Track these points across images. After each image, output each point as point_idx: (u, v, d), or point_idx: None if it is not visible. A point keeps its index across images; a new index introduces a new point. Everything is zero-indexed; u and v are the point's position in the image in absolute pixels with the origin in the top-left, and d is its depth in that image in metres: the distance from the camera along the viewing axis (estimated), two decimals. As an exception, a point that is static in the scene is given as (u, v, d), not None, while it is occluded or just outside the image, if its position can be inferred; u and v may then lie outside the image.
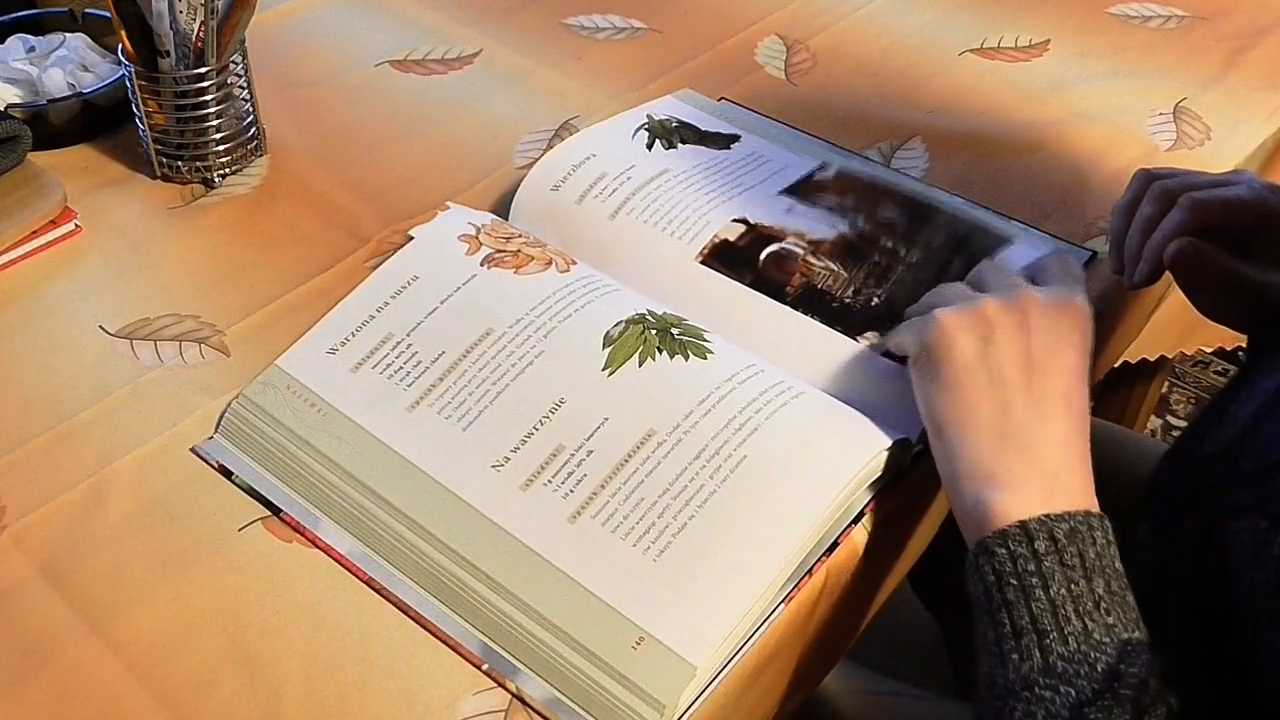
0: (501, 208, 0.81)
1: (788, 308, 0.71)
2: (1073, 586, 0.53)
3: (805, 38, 1.04)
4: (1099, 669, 0.52)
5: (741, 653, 0.58)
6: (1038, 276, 0.65)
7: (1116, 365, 0.99)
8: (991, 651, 0.54)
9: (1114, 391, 1.37)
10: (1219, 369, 1.84)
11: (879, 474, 0.63)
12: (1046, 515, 0.54)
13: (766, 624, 0.59)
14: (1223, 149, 0.91)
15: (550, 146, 0.88)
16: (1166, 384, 1.78)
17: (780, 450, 0.61)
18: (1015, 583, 0.54)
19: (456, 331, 0.69)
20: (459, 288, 0.71)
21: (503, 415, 0.65)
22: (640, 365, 0.65)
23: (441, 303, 0.70)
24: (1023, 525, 0.54)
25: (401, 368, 0.67)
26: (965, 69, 1.00)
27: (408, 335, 0.69)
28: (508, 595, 0.59)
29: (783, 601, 0.60)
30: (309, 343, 0.70)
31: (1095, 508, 0.57)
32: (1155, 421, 1.75)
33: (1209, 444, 0.63)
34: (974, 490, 0.57)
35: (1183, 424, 1.76)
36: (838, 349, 0.69)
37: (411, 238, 0.75)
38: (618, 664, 0.56)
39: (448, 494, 0.62)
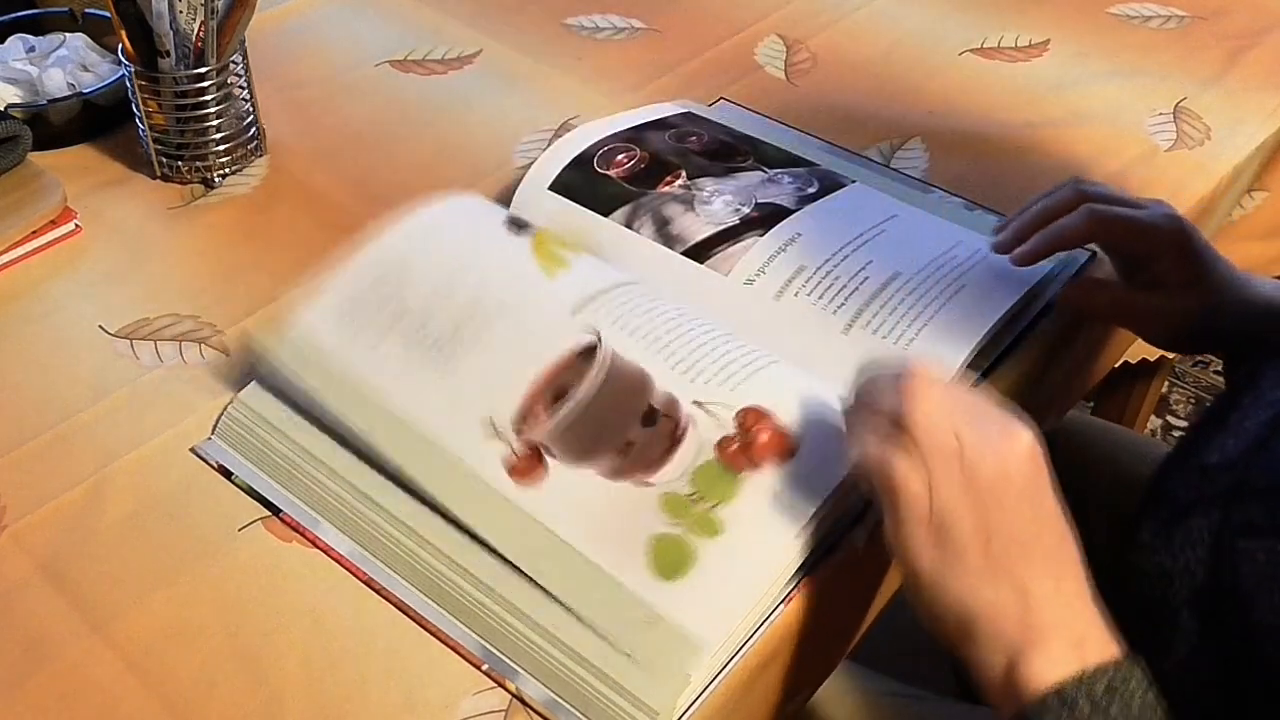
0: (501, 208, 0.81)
1: (782, 301, 0.70)
2: None
3: (805, 38, 1.04)
4: None
5: (741, 653, 0.58)
6: (971, 415, 0.60)
7: (1116, 365, 0.98)
8: None
9: (1114, 391, 1.37)
10: (1219, 369, 1.83)
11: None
12: (1081, 674, 0.52)
13: (766, 624, 0.59)
14: (1223, 149, 0.91)
15: (550, 147, 0.88)
16: (1166, 384, 1.78)
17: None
18: None
19: (472, 300, 0.67)
20: (475, 263, 0.69)
21: (521, 389, 0.64)
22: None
23: (458, 272, 0.68)
24: (1059, 693, 0.52)
25: (417, 339, 0.66)
26: (965, 69, 1.00)
27: (422, 307, 0.67)
28: (501, 600, 0.58)
29: (783, 602, 0.60)
30: (317, 308, 0.68)
31: (1122, 648, 0.54)
32: (1155, 421, 1.75)
33: (1213, 452, 0.63)
34: (1005, 662, 0.54)
35: (1183, 424, 1.76)
36: (833, 340, 0.69)
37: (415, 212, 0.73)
38: (613, 670, 0.55)
39: (461, 469, 0.61)
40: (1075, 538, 0.56)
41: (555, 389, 0.63)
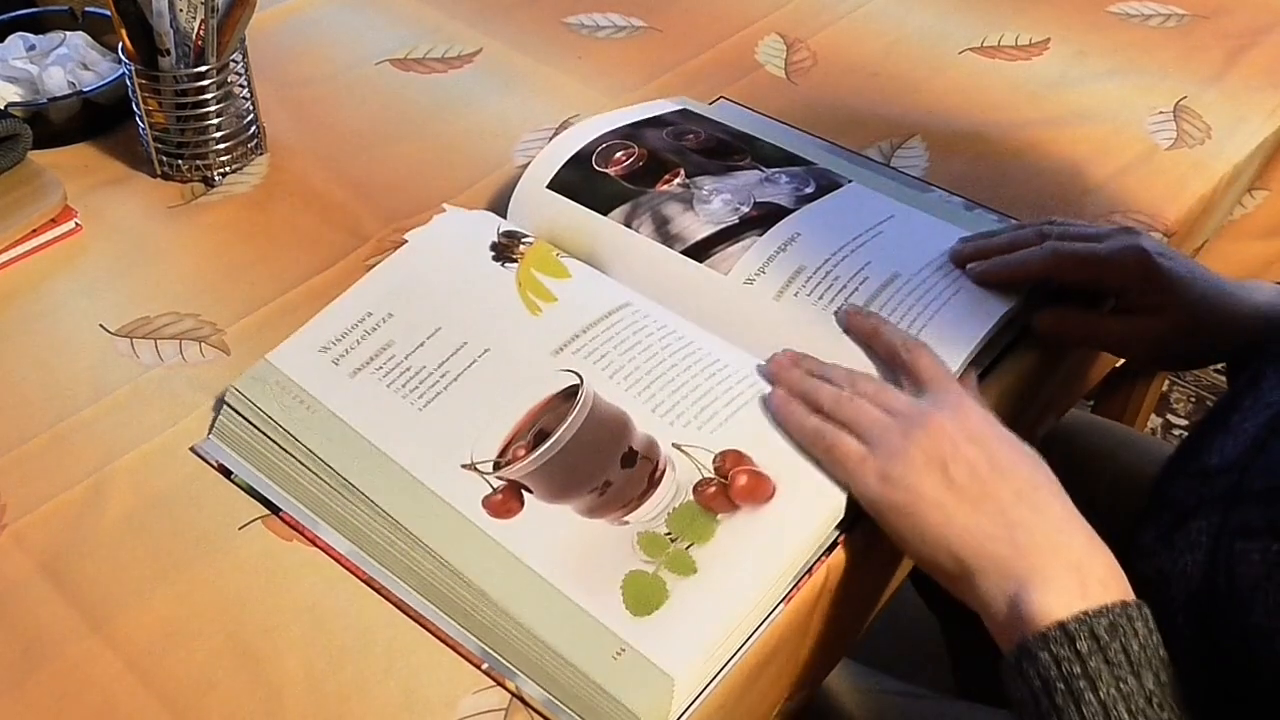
0: (501, 206, 0.81)
1: (783, 301, 0.70)
2: (1121, 686, 0.52)
3: (805, 36, 1.04)
4: None
5: (740, 653, 0.58)
6: (908, 384, 0.65)
7: (1117, 365, 0.98)
8: None
9: (1114, 391, 1.37)
10: (1219, 368, 1.83)
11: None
12: (1085, 613, 0.53)
13: (766, 624, 0.59)
14: (1223, 147, 0.91)
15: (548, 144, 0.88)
16: (1166, 384, 1.78)
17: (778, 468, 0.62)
18: (1063, 686, 0.52)
19: (458, 339, 0.68)
20: (462, 299, 0.71)
21: (503, 429, 0.64)
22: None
23: (443, 309, 0.70)
24: (1062, 626, 0.53)
25: (404, 378, 0.67)
26: (965, 68, 1.00)
27: (406, 342, 0.69)
28: (491, 604, 0.58)
29: (782, 601, 0.60)
30: (300, 340, 0.70)
31: (1128, 590, 0.56)
32: (1155, 421, 1.75)
33: (1214, 454, 0.63)
34: (1008, 596, 0.56)
35: (1183, 423, 1.76)
36: (832, 341, 0.69)
37: (406, 241, 0.75)
38: (598, 676, 0.55)
39: (438, 501, 0.62)
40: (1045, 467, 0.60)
41: (536, 430, 0.64)
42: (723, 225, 0.75)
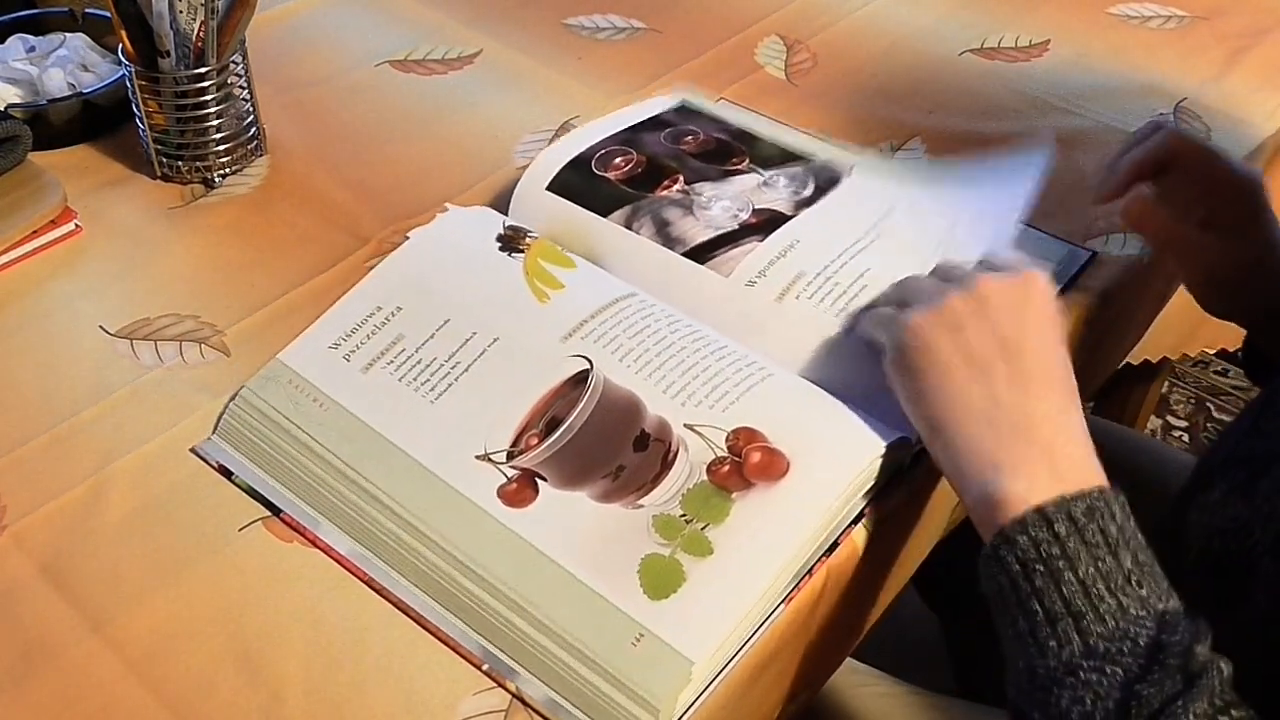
0: (501, 207, 0.81)
1: (784, 303, 0.70)
2: (1100, 564, 0.53)
3: (805, 37, 1.04)
4: (1141, 643, 0.51)
5: (742, 653, 0.58)
6: (992, 263, 0.66)
7: (1119, 366, 0.99)
8: (1025, 642, 0.54)
9: (1114, 392, 1.37)
10: (1219, 369, 1.84)
11: (874, 480, 0.62)
12: (1061, 496, 0.54)
13: (766, 624, 0.59)
14: (1223, 148, 0.91)
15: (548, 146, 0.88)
16: (1166, 384, 1.78)
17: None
18: (1042, 568, 0.53)
19: (467, 330, 0.68)
20: (470, 290, 0.71)
21: (515, 418, 0.64)
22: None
23: (451, 300, 0.70)
24: (1039, 510, 0.54)
25: (416, 372, 0.67)
26: (965, 69, 1.00)
27: (417, 335, 0.69)
28: (505, 598, 0.58)
29: (783, 602, 0.60)
30: (310, 338, 0.70)
31: (1104, 479, 0.56)
32: (1155, 421, 1.75)
33: None
34: (980, 481, 0.57)
35: (1183, 424, 1.77)
36: (834, 341, 0.69)
37: (409, 239, 0.75)
38: (614, 665, 0.55)
39: (453, 493, 0.62)
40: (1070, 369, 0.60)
41: (548, 417, 0.64)
42: (722, 230, 0.75)
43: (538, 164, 0.80)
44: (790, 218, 0.76)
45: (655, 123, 0.85)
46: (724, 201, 0.77)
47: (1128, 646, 0.51)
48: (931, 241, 0.74)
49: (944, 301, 0.61)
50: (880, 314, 0.65)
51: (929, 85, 0.98)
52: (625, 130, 0.83)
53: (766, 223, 0.75)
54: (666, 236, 0.75)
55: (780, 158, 0.82)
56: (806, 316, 0.70)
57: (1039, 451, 0.56)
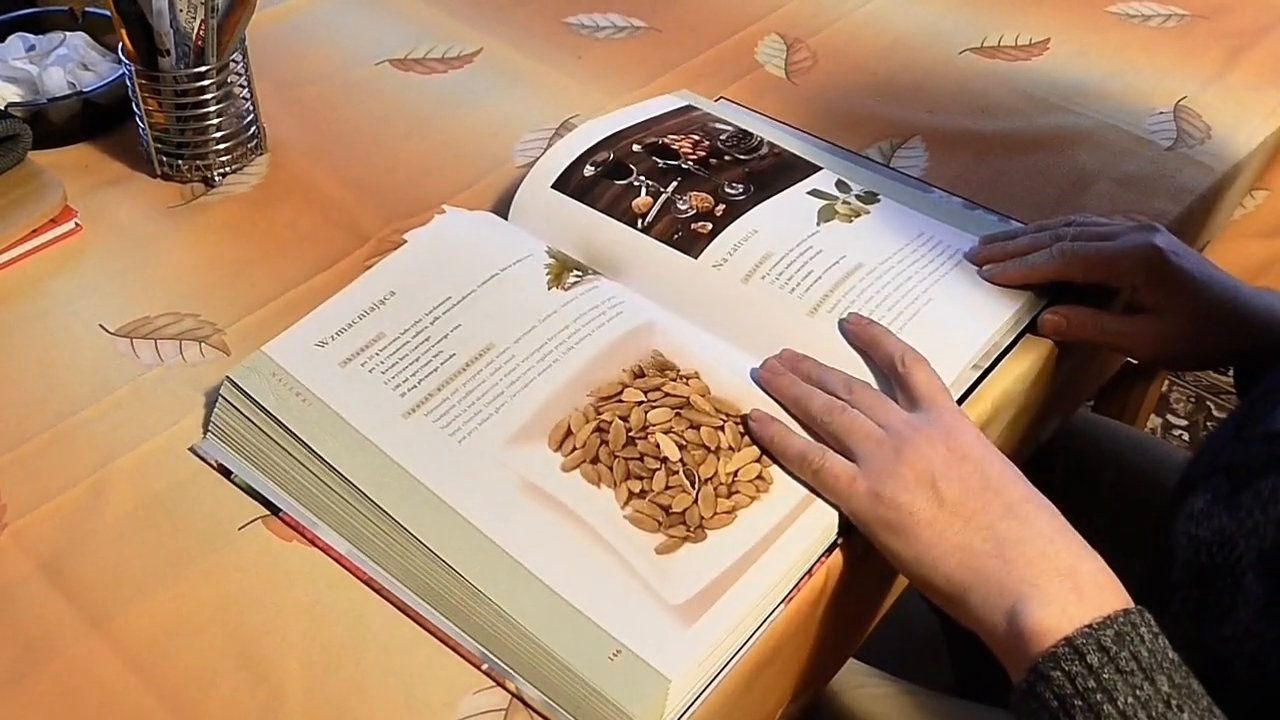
0: (501, 207, 0.81)
1: (808, 317, 0.71)
2: (1138, 692, 0.52)
3: (805, 36, 1.04)
4: None
5: (739, 655, 0.58)
6: (903, 397, 0.65)
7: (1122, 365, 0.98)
8: None
9: (1114, 391, 1.37)
10: (1220, 369, 1.84)
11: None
12: (1089, 625, 0.53)
13: (766, 624, 0.59)
14: (1223, 147, 0.91)
15: (550, 145, 0.88)
16: (1166, 384, 1.78)
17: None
18: (1080, 703, 0.52)
19: (456, 340, 0.68)
20: (463, 294, 0.71)
21: (501, 428, 0.64)
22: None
23: (440, 308, 0.70)
24: (1069, 641, 0.53)
25: (399, 371, 0.67)
26: (965, 68, 1.00)
27: (402, 335, 0.69)
28: (489, 605, 0.58)
29: (783, 602, 0.60)
30: (297, 334, 0.69)
31: (1126, 597, 0.55)
32: (1155, 420, 1.75)
33: (1277, 420, 0.62)
34: (1004, 612, 0.56)
35: (1183, 423, 1.77)
36: (801, 324, 0.70)
37: (406, 241, 0.75)
38: (594, 678, 0.55)
39: (434, 499, 0.61)
40: (1039, 496, 0.59)
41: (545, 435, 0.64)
42: (692, 213, 0.76)
43: (540, 166, 0.80)
44: (755, 205, 0.77)
45: (656, 123, 0.84)
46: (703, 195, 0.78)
47: None
48: (899, 241, 0.75)
49: (902, 463, 0.60)
50: (830, 475, 0.61)
51: (929, 84, 0.98)
52: (625, 132, 0.83)
53: (735, 205, 0.77)
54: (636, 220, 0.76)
55: (780, 165, 0.81)
56: (772, 298, 0.72)
57: (1056, 576, 0.55)
